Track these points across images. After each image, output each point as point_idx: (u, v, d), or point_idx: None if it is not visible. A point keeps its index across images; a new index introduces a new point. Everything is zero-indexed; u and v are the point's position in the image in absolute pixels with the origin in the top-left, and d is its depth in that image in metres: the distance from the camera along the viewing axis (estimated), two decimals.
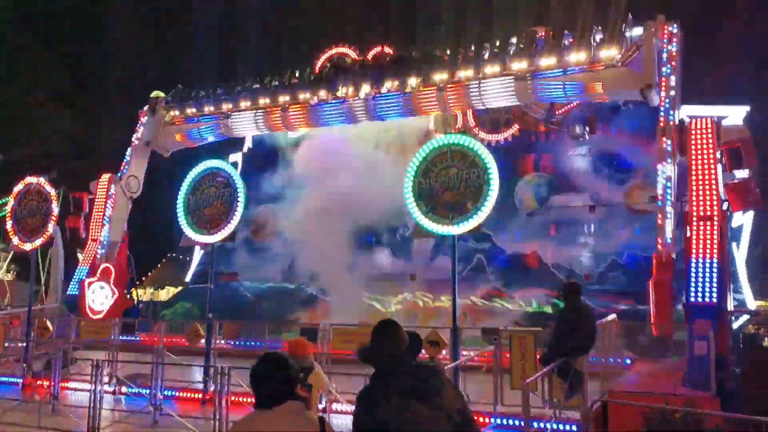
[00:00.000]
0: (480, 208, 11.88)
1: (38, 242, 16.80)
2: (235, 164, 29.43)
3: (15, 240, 17.18)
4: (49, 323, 16.24)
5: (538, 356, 10.20)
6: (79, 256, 24.99)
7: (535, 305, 21.45)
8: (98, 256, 22.88)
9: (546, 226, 22.52)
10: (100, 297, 21.52)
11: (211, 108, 22.79)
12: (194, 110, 23.09)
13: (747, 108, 21.28)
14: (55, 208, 16.69)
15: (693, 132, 15.45)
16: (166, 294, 30.23)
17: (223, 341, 18.53)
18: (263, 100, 21.94)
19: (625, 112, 22.06)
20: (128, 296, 24.94)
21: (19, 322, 17.36)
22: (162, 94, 23.75)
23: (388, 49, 23.55)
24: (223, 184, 14.66)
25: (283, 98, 21.49)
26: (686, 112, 19.48)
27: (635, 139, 21.81)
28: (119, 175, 23.38)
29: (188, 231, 14.85)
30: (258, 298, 25.93)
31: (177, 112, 23.37)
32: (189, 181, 15.12)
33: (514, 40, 18.59)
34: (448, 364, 11.03)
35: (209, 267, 14.97)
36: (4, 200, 29.23)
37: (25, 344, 16.35)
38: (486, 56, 18.69)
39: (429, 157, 12.55)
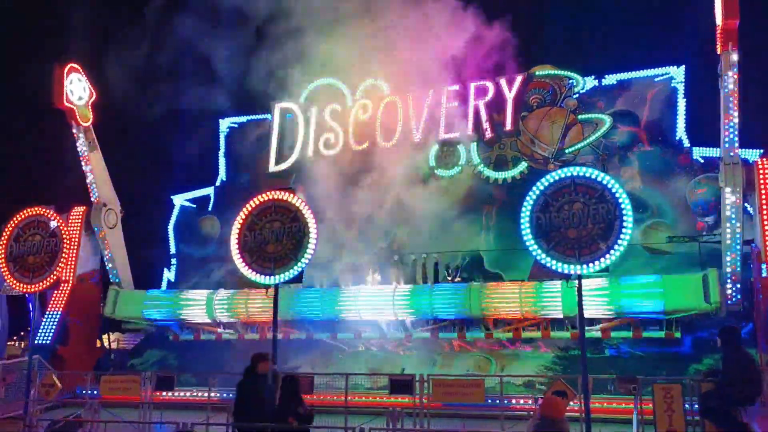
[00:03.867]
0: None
1: (43, 284, 14.24)
2: (206, 198, 27.39)
3: (10, 281, 14.50)
4: (56, 379, 13.74)
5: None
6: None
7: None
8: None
9: None
10: None
11: None
12: None
13: None
14: (67, 246, 14.25)
15: (761, 171, 15.32)
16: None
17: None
18: None
19: (638, 151, 21.97)
20: (99, 344, 22.15)
21: (15, 378, 14.61)
22: None
23: None
24: (290, 218, 12.97)
25: None
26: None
27: (649, 179, 21.70)
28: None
29: (246, 271, 12.98)
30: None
31: None
32: (245, 215, 13.32)
33: None
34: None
35: (273, 310, 13.05)
36: None
37: (24, 407, 13.71)
38: None
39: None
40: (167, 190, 27.76)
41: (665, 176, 21.58)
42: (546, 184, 11.60)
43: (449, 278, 21.31)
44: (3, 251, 14.52)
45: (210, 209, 27.15)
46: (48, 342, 19.62)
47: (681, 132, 21.73)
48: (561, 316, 18.52)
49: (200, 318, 21.61)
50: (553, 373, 18.87)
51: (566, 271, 11.30)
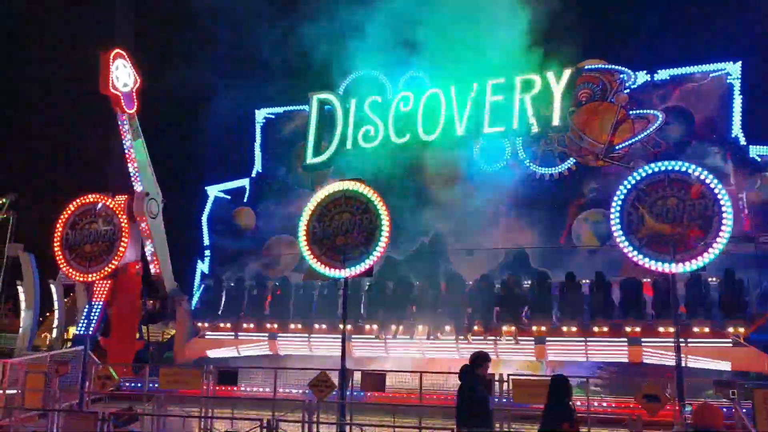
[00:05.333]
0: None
1: (100, 273, 13.83)
2: (241, 189, 26.97)
3: (67, 270, 14.11)
4: (112, 371, 13.33)
5: None
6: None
7: None
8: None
9: (609, 265, 21.27)
10: None
11: None
12: None
13: None
14: (126, 235, 13.83)
15: None
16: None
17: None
18: None
19: (692, 150, 21.40)
20: (139, 336, 21.75)
21: (69, 369, 14.20)
22: None
23: None
24: (361, 210, 12.52)
25: None
26: None
27: None
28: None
29: (316, 263, 12.57)
30: None
31: None
32: (315, 205, 12.90)
33: None
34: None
35: (343, 304, 12.61)
36: None
37: (78, 398, 13.33)
38: None
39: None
40: (201, 181, 27.34)
41: (722, 175, 21.02)
42: (638, 177, 11.16)
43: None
44: (59, 239, 14.11)
45: (245, 201, 26.70)
46: (90, 333, 19.20)
47: (737, 129, 21.17)
48: None
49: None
50: (607, 374, 18.46)
51: (660, 270, 10.87)
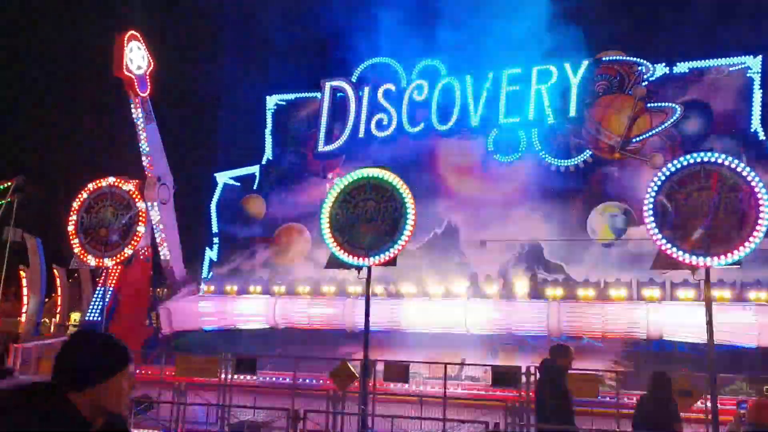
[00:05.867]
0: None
1: (117, 258, 13.58)
2: (251, 176, 26.72)
3: (81, 254, 13.84)
4: None
5: None
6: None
7: None
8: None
9: (625, 259, 21.06)
10: None
11: None
12: None
13: None
14: (143, 220, 13.58)
15: None
16: None
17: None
18: None
19: (711, 141, 21.11)
20: (148, 323, 21.54)
21: None
22: None
23: None
24: (387, 198, 12.28)
25: None
26: None
27: None
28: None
29: (339, 252, 12.32)
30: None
31: None
32: (338, 192, 12.64)
33: None
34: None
35: (367, 290, 12.36)
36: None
37: None
38: None
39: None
40: (211, 167, 27.08)
41: None
42: (672, 169, 10.89)
43: None
44: (74, 222, 13.86)
45: (255, 188, 26.44)
46: (98, 319, 18.98)
47: (756, 124, 20.91)
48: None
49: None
50: (623, 368, 18.26)
51: (694, 263, 10.63)
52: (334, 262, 12.66)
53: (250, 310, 21.24)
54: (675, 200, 10.72)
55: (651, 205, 10.85)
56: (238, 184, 26.76)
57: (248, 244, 25.38)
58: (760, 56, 21.19)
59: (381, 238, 12.15)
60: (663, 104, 21.71)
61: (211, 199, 26.46)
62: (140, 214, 13.54)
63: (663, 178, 10.86)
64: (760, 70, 21.15)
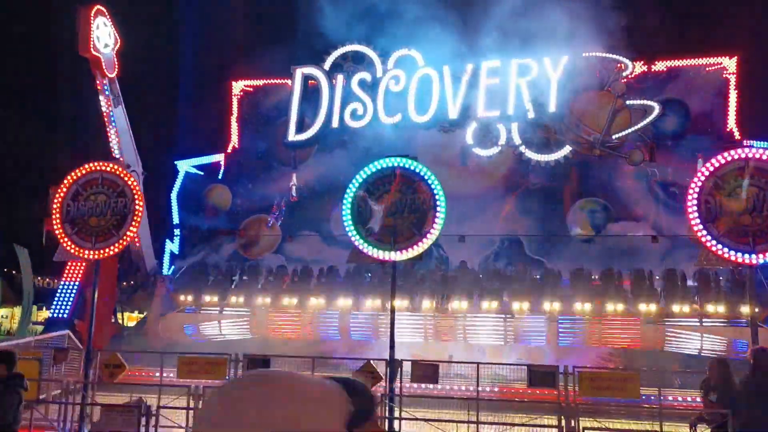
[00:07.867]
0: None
1: (108, 250, 12.37)
2: (216, 165, 25.48)
3: (67, 245, 12.54)
4: (122, 359, 11.99)
5: None
6: None
7: None
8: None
9: (604, 254, 21.12)
10: None
11: None
12: None
13: None
14: (139, 207, 12.42)
15: None
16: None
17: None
18: None
19: (688, 140, 21.44)
20: (114, 320, 20.10)
21: (68, 357, 12.69)
22: None
23: None
24: (412, 190, 11.64)
25: None
26: None
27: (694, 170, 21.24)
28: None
29: (364, 246, 11.59)
30: None
31: None
32: (361, 181, 11.90)
33: None
34: None
35: (392, 289, 11.67)
36: None
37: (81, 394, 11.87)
38: None
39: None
40: (171, 155, 25.60)
41: None
42: (716, 165, 10.71)
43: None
44: (58, 211, 12.53)
45: (220, 177, 25.17)
46: (66, 316, 17.51)
47: (732, 123, 21.35)
48: None
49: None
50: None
51: (740, 260, 10.50)
52: (357, 257, 11.94)
53: (237, 331, 20.25)
54: (719, 197, 10.55)
55: (695, 203, 10.65)
56: (201, 173, 25.43)
57: (212, 236, 24.14)
58: (736, 57, 21.63)
59: (408, 231, 11.52)
60: (642, 102, 21.87)
61: (172, 189, 25.02)
62: (136, 201, 12.36)
63: (707, 174, 10.66)
64: (735, 71, 21.59)
